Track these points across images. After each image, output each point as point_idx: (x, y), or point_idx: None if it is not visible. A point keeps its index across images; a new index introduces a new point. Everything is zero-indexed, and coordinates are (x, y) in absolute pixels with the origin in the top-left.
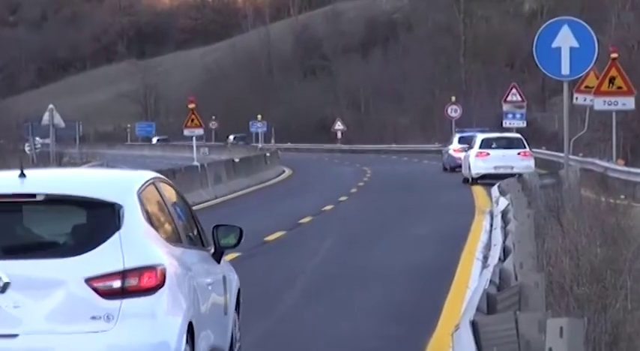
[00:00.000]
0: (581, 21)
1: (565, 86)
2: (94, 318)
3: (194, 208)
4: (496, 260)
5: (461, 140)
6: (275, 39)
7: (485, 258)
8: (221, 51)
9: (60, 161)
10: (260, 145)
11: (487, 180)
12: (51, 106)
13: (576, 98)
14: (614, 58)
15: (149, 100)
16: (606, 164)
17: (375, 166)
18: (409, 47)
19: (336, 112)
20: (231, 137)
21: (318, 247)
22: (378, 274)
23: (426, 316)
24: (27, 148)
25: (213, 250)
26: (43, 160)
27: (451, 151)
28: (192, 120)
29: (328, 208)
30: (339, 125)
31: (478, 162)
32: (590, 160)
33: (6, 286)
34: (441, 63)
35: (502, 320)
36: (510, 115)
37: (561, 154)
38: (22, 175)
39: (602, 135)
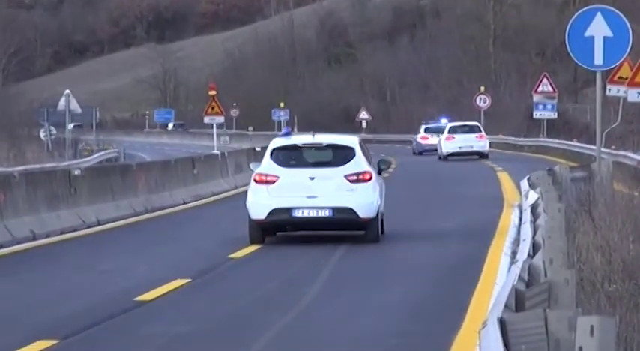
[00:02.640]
0: (614, 9)
1: (598, 77)
2: (347, 190)
3: (214, 198)
4: (525, 256)
5: (426, 130)
6: (299, 25)
7: (514, 253)
8: (243, 37)
9: (76, 148)
10: None
11: (455, 157)
12: (67, 91)
13: (609, 89)
14: None
15: (168, 86)
16: None
17: (401, 156)
18: (437, 35)
19: (361, 101)
20: (170, 125)
21: (339, 241)
22: (403, 268)
23: (452, 312)
24: (42, 135)
25: (377, 170)
26: (58, 147)
27: (419, 139)
28: (213, 107)
29: None
30: (364, 114)
31: (447, 144)
32: (622, 153)
33: (313, 178)
34: (470, 52)
35: (531, 318)
36: (541, 106)
37: (593, 147)
38: (313, 136)
39: (635, 127)
